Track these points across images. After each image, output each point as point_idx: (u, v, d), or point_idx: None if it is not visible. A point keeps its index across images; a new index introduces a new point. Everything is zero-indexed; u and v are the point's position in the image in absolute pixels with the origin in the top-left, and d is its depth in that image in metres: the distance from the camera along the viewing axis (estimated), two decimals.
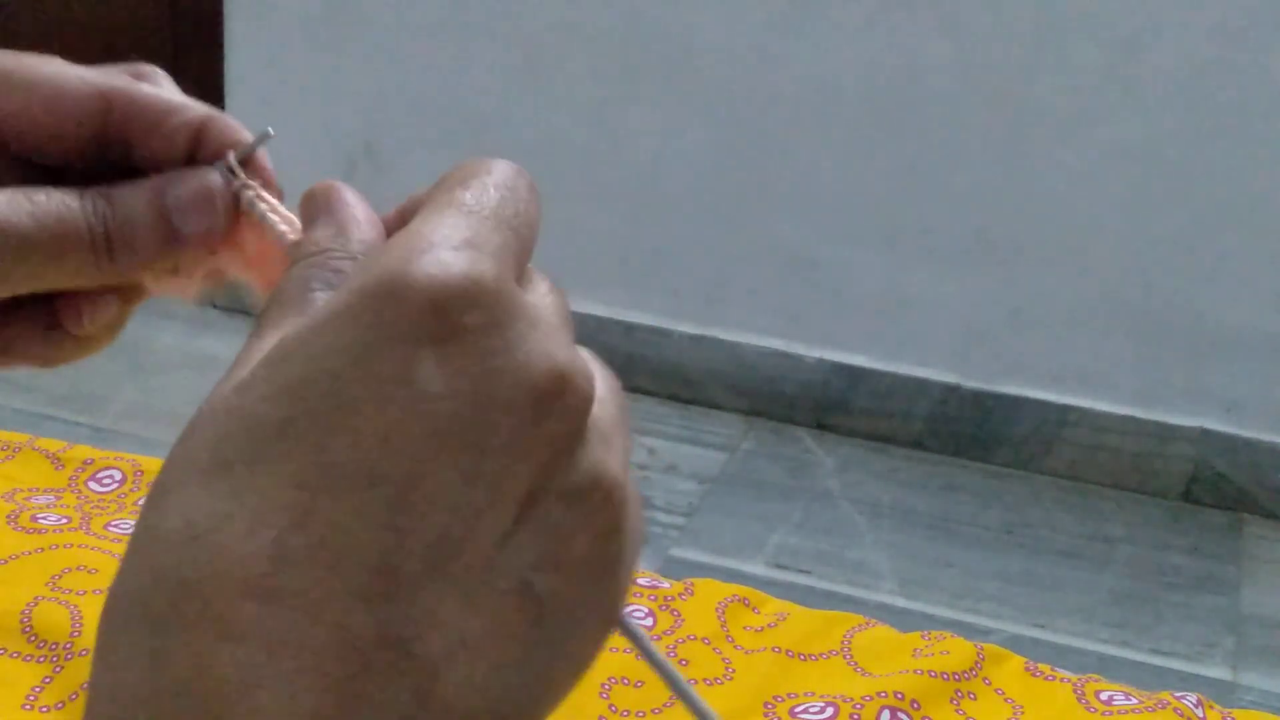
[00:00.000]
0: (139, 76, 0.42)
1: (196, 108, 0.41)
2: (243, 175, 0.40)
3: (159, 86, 0.42)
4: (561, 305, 0.32)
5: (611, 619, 0.31)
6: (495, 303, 0.29)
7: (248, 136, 0.41)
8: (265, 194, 0.40)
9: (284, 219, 0.40)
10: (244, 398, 0.28)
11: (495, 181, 0.33)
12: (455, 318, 0.28)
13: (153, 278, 0.42)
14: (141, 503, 1.03)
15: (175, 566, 0.27)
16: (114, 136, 0.41)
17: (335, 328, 0.28)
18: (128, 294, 0.42)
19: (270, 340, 0.30)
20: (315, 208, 0.36)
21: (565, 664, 0.30)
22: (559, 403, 0.29)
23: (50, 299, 0.41)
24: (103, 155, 0.41)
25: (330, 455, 0.28)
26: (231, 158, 0.41)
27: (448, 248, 0.29)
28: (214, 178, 0.40)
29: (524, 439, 0.29)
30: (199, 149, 0.41)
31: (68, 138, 0.41)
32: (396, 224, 0.35)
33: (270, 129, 0.41)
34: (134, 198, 0.40)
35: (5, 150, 0.41)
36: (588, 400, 0.30)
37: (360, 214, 0.35)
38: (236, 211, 0.40)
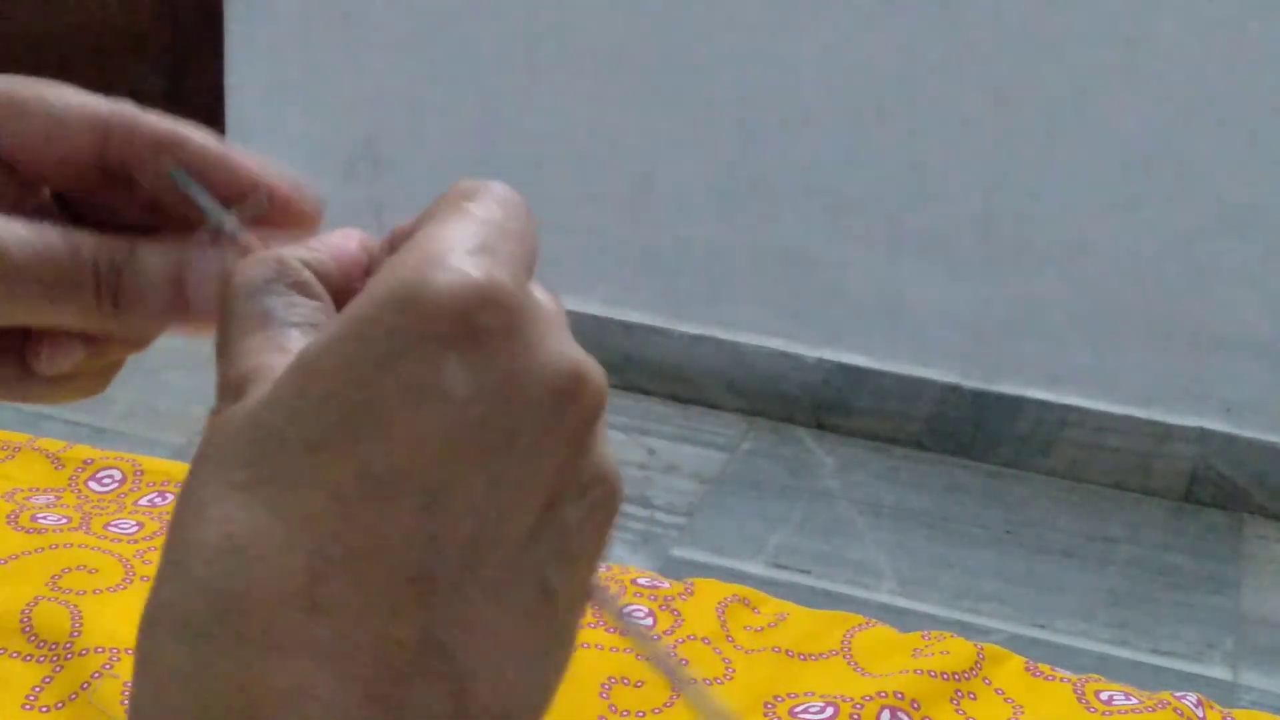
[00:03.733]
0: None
1: (202, 142, 0.41)
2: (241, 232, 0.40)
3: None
4: (561, 309, 0.33)
5: (588, 600, 0.32)
6: (514, 305, 0.29)
7: (254, 171, 0.41)
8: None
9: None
10: (274, 413, 0.29)
11: (497, 198, 0.33)
12: (477, 320, 0.29)
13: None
14: (142, 501, 1.03)
15: (215, 579, 0.28)
16: (115, 168, 0.41)
17: (358, 337, 0.29)
18: (95, 344, 0.41)
19: (232, 357, 0.32)
20: None
21: (568, 651, 0.31)
22: (576, 401, 0.30)
23: (22, 333, 0.41)
24: (110, 186, 0.41)
25: (364, 464, 0.28)
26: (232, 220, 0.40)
27: (464, 253, 0.30)
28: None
29: (546, 438, 0.29)
30: (207, 182, 0.41)
31: (68, 163, 0.40)
32: (385, 251, 0.36)
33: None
34: (155, 257, 0.40)
35: (14, 174, 0.41)
36: (603, 396, 0.30)
37: (338, 240, 0.36)
38: None
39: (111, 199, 0.42)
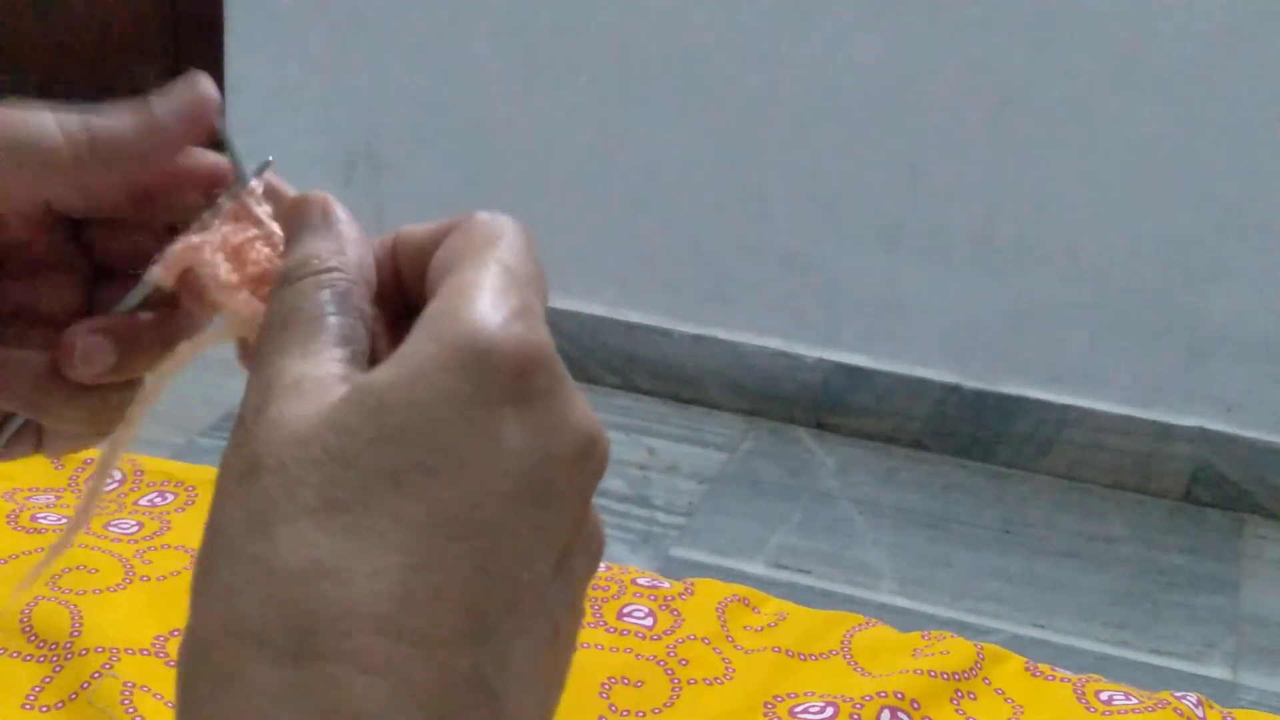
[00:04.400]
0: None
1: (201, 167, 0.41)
2: (251, 186, 0.40)
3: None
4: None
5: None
6: (554, 368, 0.32)
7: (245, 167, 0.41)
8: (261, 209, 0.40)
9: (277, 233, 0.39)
10: (346, 439, 0.30)
11: (516, 240, 0.35)
12: (531, 381, 0.31)
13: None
14: (142, 501, 1.02)
15: (303, 600, 0.29)
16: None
17: (433, 381, 0.30)
18: (126, 345, 0.41)
19: (298, 361, 0.32)
20: (307, 217, 0.37)
21: (564, 685, 0.34)
22: (593, 459, 0.32)
23: (53, 343, 0.41)
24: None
25: (441, 504, 0.30)
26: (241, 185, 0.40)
27: (515, 313, 0.32)
28: (205, 84, 0.40)
29: (570, 491, 0.32)
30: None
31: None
32: (385, 256, 0.37)
33: (270, 158, 0.41)
34: (121, 106, 0.40)
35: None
36: (608, 456, 0.33)
37: (353, 233, 0.37)
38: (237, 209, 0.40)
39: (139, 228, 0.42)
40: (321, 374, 0.32)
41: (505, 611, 0.30)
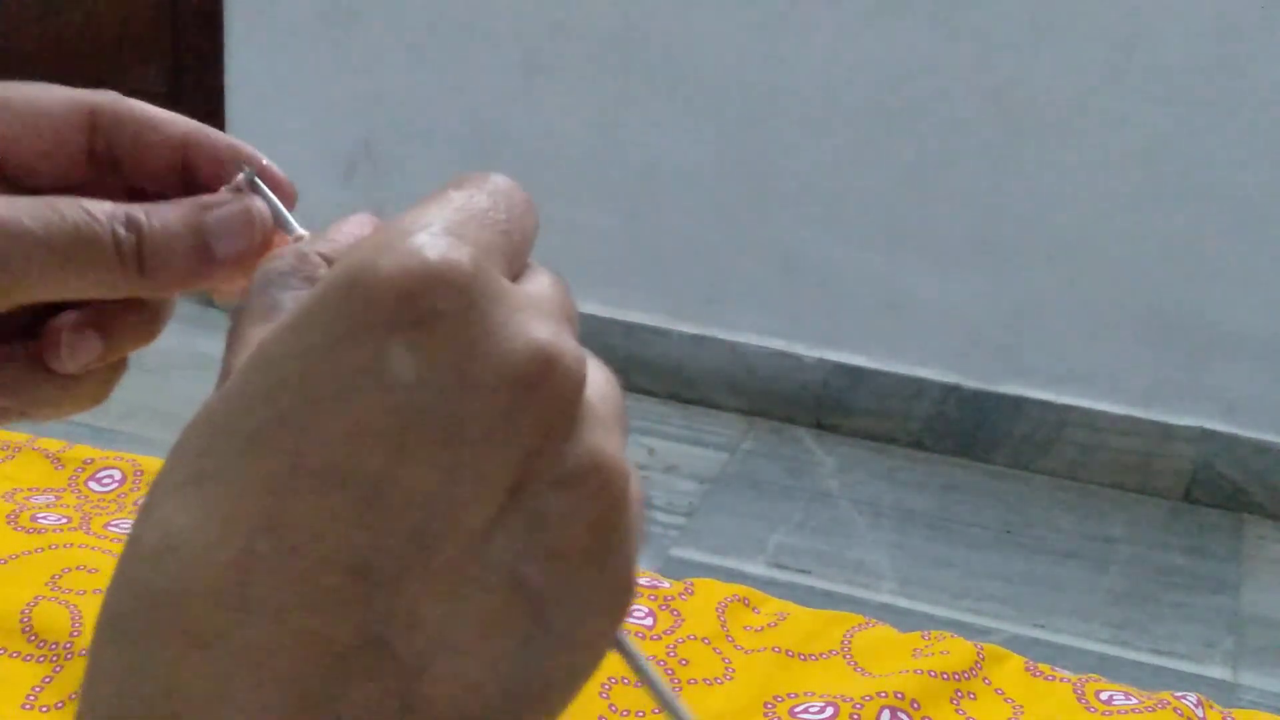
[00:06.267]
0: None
1: (182, 122, 0.41)
2: (266, 190, 0.41)
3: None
4: (560, 296, 0.31)
5: (619, 611, 0.30)
6: (471, 286, 0.27)
7: (235, 145, 0.42)
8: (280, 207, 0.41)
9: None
10: (231, 407, 0.28)
11: (489, 189, 0.31)
12: (426, 303, 0.27)
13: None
14: (141, 500, 1.03)
15: (148, 579, 0.27)
16: (102, 153, 0.41)
17: (303, 325, 0.27)
18: (111, 335, 0.42)
19: (237, 349, 0.31)
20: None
21: (570, 658, 0.29)
22: (544, 385, 0.27)
23: (34, 332, 0.41)
24: (97, 175, 0.42)
25: (297, 456, 0.27)
26: (244, 175, 0.41)
27: (423, 234, 0.28)
28: (257, 203, 0.40)
29: (506, 425, 0.27)
30: (186, 164, 0.42)
31: (55, 154, 0.41)
32: None
33: (263, 160, 0.42)
34: (172, 215, 0.40)
35: (1, 173, 0.41)
36: (578, 382, 0.28)
37: (354, 228, 0.35)
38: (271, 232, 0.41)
39: (98, 194, 0.41)
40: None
41: (406, 565, 0.27)
